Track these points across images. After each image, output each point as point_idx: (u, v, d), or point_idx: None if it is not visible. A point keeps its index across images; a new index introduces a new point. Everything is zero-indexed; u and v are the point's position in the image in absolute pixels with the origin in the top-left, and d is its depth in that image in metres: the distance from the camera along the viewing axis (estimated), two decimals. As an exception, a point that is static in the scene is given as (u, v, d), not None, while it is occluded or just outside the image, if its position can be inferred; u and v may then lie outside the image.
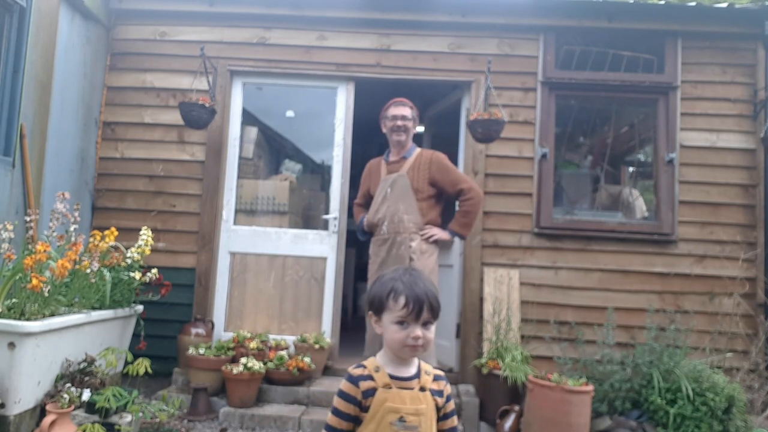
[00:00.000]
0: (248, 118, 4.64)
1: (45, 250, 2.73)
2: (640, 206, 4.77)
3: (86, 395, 2.70)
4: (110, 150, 4.39)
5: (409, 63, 4.35)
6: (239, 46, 4.40)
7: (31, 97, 3.61)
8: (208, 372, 3.63)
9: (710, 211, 4.17)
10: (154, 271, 3.57)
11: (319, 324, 4.26)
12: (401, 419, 1.38)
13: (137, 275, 3.47)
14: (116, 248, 3.49)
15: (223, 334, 4.21)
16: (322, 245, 4.32)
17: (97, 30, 4.32)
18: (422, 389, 1.44)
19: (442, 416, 1.49)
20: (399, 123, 3.41)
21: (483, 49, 4.31)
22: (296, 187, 4.82)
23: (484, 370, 3.61)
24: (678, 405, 3.25)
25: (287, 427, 3.37)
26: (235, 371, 3.46)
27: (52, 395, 2.69)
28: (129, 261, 3.51)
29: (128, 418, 2.73)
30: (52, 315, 2.87)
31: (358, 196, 3.72)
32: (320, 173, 5.36)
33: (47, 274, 2.79)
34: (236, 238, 4.34)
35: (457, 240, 3.97)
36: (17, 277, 2.80)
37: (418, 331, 1.39)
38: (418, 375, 1.46)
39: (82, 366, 2.92)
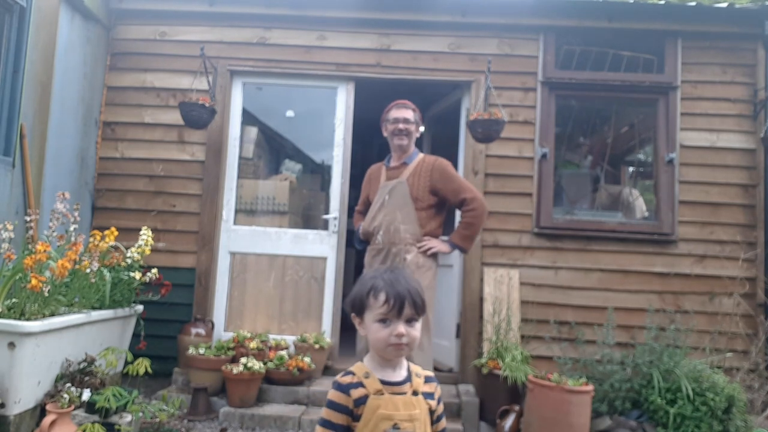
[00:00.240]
0: (248, 118, 4.64)
1: (45, 250, 2.73)
2: (640, 206, 4.77)
3: (86, 395, 2.70)
4: (110, 150, 4.39)
5: (409, 63, 4.35)
6: (239, 46, 4.40)
7: (31, 97, 3.61)
8: (208, 372, 3.63)
9: (710, 211, 4.17)
10: (154, 271, 3.57)
11: (319, 324, 4.26)
12: (395, 426, 1.34)
13: (137, 275, 3.47)
14: (116, 248, 3.49)
15: (223, 334, 4.21)
16: (322, 245, 4.32)
17: (97, 30, 4.32)
18: (415, 393, 1.39)
19: (435, 419, 1.44)
20: (401, 126, 3.21)
21: (483, 49, 4.31)
22: (296, 187, 4.82)
23: (484, 370, 3.60)
24: (678, 405, 3.25)
25: (287, 427, 3.37)
26: (235, 371, 3.46)
27: (52, 395, 2.69)
28: (129, 261, 3.51)
29: (128, 418, 2.73)
30: (52, 315, 2.87)
31: (359, 202, 3.52)
32: (320, 173, 5.36)
33: (47, 274, 2.79)
34: (236, 238, 4.34)
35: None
36: (17, 277, 2.80)
37: (401, 328, 1.34)
38: (409, 378, 1.41)
39: (82, 366, 2.92)
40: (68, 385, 2.74)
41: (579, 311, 4.10)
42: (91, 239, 3.22)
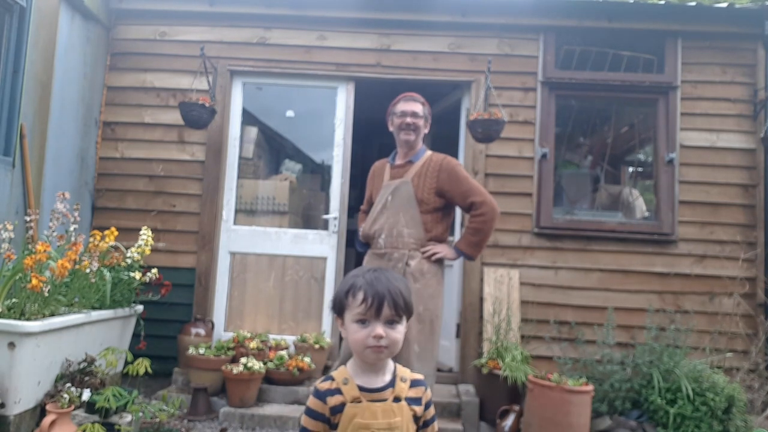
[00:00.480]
0: (248, 118, 4.64)
1: (45, 250, 2.73)
2: (640, 206, 4.77)
3: (86, 395, 2.70)
4: (110, 150, 4.39)
5: (409, 63, 4.35)
6: (239, 46, 4.40)
7: (31, 97, 3.61)
8: (208, 372, 3.63)
9: (710, 211, 4.17)
10: (154, 271, 3.57)
11: (319, 324, 4.26)
12: None
13: (137, 275, 3.47)
14: (116, 248, 3.49)
15: (223, 334, 4.21)
16: (322, 245, 4.32)
17: (97, 30, 4.32)
18: (397, 399, 1.32)
19: (422, 425, 1.37)
20: (408, 120, 2.93)
21: (483, 49, 4.31)
22: (296, 187, 4.82)
23: (484, 370, 3.60)
24: (678, 405, 3.25)
25: (287, 427, 3.37)
26: (235, 371, 3.46)
27: (52, 395, 2.69)
28: (129, 261, 3.51)
29: (128, 418, 2.73)
30: (52, 315, 2.87)
31: (364, 201, 3.28)
32: (320, 173, 5.36)
33: (47, 274, 2.79)
34: (236, 238, 4.34)
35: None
36: (17, 277, 2.80)
37: (380, 329, 1.27)
38: (392, 383, 1.33)
39: (82, 366, 2.92)
40: (68, 385, 2.74)
41: (579, 311, 4.10)
42: (91, 239, 3.22)
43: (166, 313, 4.08)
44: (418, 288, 2.71)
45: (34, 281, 2.63)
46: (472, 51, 4.33)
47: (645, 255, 4.15)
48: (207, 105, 3.95)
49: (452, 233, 4.21)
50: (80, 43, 4.11)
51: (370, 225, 2.95)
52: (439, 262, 2.89)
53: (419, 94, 3.05)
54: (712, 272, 4.11)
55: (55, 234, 2.98)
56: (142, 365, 2.83)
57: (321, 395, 1.31)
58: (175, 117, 4.16)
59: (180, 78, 4.36)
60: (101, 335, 3.25)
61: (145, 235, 3.61)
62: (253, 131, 4.66)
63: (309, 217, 4.88)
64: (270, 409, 3.49)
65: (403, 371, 1.37)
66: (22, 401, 2.60)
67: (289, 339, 4.08)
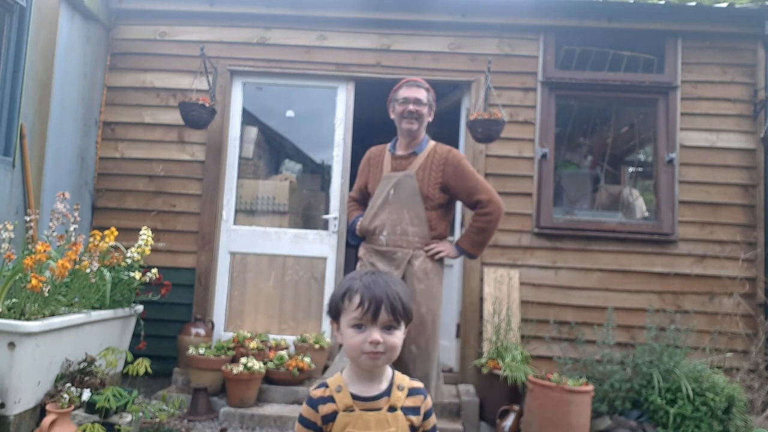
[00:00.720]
0: (248, 118, 4.64)
1: (45, 250, 2.73)
2: (640, 206, 4.77)
3: (86, 395, 2.70)
4: (110, 150, 4.39)
5: (409, 63, 4.34)
6: (239, 46, 4.40)
7: (31, 97, 3.61)
8: (208, 372, 3.63)
9: (710, 211, 4.17)
10: (154, 271, 3.57)
11: (319, 324, 4.26)
12: None
13: (137, 275, 3.47)
14: (116, 248, 3.49)
15: (223, 334, 4.21)
16: (322, 245, 4.32)
17: (97, 30, 4.32)
18: (392, 409, 1.26)
19: None
20: (411, 108, 2.74)
21: (483, 49, 4.31)
22: (296, 187, 4.82)
23: (484, 370, 3.60)
24: (678, 405, 3.25)
25: (287, 427, 3.37)
26: (235, 371, 3.46)
27: (52, 395, 2.69)
28: (129, 261, 3.51)
29: (128, 418, 2.73)
30: (52, 315, 2.87)
31: (354, 188, 3.08)
32: (320, 173, 5.36)
33: (47, 274, 2.79)
34: (236, 238, 4.34)
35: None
36: (17, 277, 2.80)
37: (376, 335, 1.21)
38: (388, 392, 1.27)
39: (82, 366, 2.92)
40: (68, 385, 2.74)
41: (579, 311, 4.10)
42: (91, 239, 3.22)
43: (166, 313, 4.08)
44: (422, 289, 2.62)
45: (34, 281, 2.63)
46: (472, 51, 4.33)
47: (645, 255, 4.15)
48: (207, 105, 3.95)
49: (452, 232, 4.21)
50: (80, 43, 4.11)
51: (370, 220, 2.77)
52: (441, 261, 2.77)
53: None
54: (712, 272, 4.11)
55: (55, 234, 2.98)
56: (142, 365, 2.83)
57: (313, 403, 1.27)
58: (175, 117, 4.16)
59: (180, 78, 4.36)
60: (101, 335, 3.25)
61: (145, 235, 3.61)
62: (253, 131, 4.66)
63: (309, 217, 4.89)
64: (270, 409, 3.49)
65: (401, 379, 1.31)
66: (22, 401, 2.60)
67: (289, 339, 4.08)
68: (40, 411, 2.71)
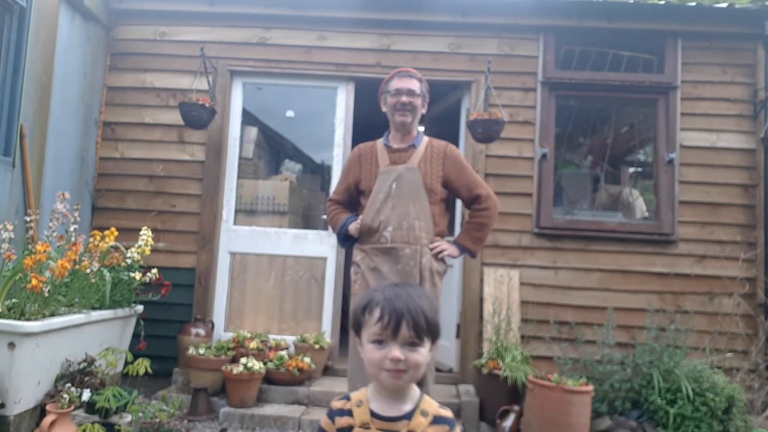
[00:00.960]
0: (248, 118, 4.64)
1: (45, 251, 2.73)
2: (640, 206, 4.78)
3: (86, 395, 2.70)
4: (110, 150, 4.39)
5: (409, 63, 4.32)
6: (239, 46, 4.40)
7: (31, 97, 3.61)
8: (208, 372, 3.63)
9: (710, 211, 4.17)
10: (154, 271, 3.57)
11: (319, 324, 4.26)
12: None
13: (137, 275, 3.47)
14: (116, 248, 3.49)
15: (223, 334, 4.21)
16: (322, 245, 4.32)
17: (97, 30, 4.32)
18: None
19: None
20: (404, 99, 2.62)
21: (483, 49, 4.31)
22: (296, 187, 4.82)
23: (484, 370, 3.60)
24: (678, 405, 3.25)
25: (287, 427, 3.37)
26: (235, 371, 3.46)
27: (52, 395, 2.69)
28: (129, 261, 3.51)
29: (128, 418, 2.73)
30: (52, 315, 2.87)
31: (336, 190, 2.87)
32: (320, 173, 5.37)
33: (47, 274, 2.79)
34: (236, 238, 4.34)
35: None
36: (17, 277, 2.80)
37: (397, 352, 1.14)
38: (410, 415, 1.18)
39: (82, 366, 2.92)
40: (68, 385, 2.74)
41: (579, 311, 4.10)
42: (91, 239, 3.22)
43: (166, 313, 4.08)
44: (428, 288, 2.53)
45: (34, 281, 2.63)
46: (472, 51, 4.33)
47: (645, 255, 4.15)
48: (207, 105, 3.95)
49: (451, 232, 4.21)
50: (80, 43, 4.11)
51: (372, 216, 2.61)
52: (443, 260, 2.70)
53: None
54: (712, 272, 4.11)
55: (55, 234, 2.98)
56: (142, 365, 2.83)
57: (331, 414, 1.24)
58: (175, 117, 4.16)
59: (180, 78, 4.36)
60: (101, 335, 3.25)
61: (145, 235, 3.61)
62: (253, 131, 4.66)
63: (309, 217, 4.89)
64: (270, 409, 3.49)
65: (429, 404, 1.21)
66: (22, 401, 2.60)
67: (289, 339, 4.08)
68: (40, 411, 2.71)
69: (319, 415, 3.39)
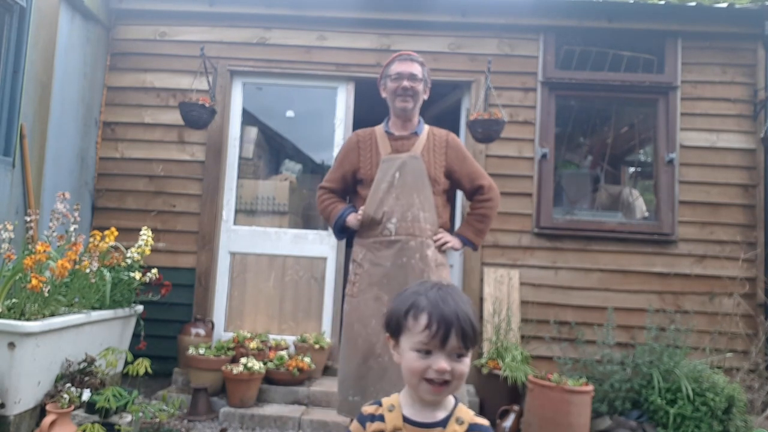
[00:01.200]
0: (248, 118, 4.64)
1: (45, 251, 2.73)
2: (640, 206, 4.78)
3: (86, 395, 2.70)
4: (110, 150, 4.39)
5: (409, 63, 4.33)
6: (239, 46, 4.40)
7: (31, 97, 3.61)
8: (208, 372, 3.63)
9: (710, 211, 4.17)
10: (154, 271, 3.57)
11: (319, 324, 4.26)
12: None
13: (137, 275, 3.47)
14: (116, 248, 3.49)
15: (223, 334, 4.21)
16: (322, 245, 4.32)
17: (97, 30, 4.32)
18: None
19: None
20: (406, 84, 2.51)
21: (483, 49, 4.31)
22: (296, 187, 4.82)
23: (484, 370, 3.61)
24: (678, 405, 3.25)
25: (287, 427, 3.37)
26: (235, 371, 3.46)
27: (52, 395, 2.69)
28: (129, 261, 3.51)
29: (128, 418, 2.73)
30: (52, 315, 2.87)
31: (330, 178, 2.68)
32: (320, 173, 5.36)
33: (47, 274, 2.78)
34: (236, 238, 4.34)
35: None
36: (17, 277, 2.80)
37: (443, 362, 1.07)
38: (445, 422, 1.12)
39: (82, 366, 2.92)
40: (68, 385, 2.74)
41: (579, 311, 4.10)
42: (91, 239, 3.22)
43: (166, 313, 4.08)
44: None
45: (34, 281, 2.63)
46: (472, 51, 4.33)
47: (645, 255, 4.15)
48: (207, 105, 3.95)
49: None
50: (80, 43, 4.11)
51: (375, 207, 2.48)
52: (446, 253, 2.61)
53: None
54: (712, 272, 4.11)
55: (55, 234, 2.98)
56: (142, 365, 2.83)
57: (362, 419, 1.18)
58: (175, 117, 4.16)
59: (180, 78, 4.36)
60: (101, 335, 3.25)
61: (145, 235, 3.60)
62: (253, 131, 4.66)
63: (309, 217, 4.89)
64: (270, 409, 3.49)
65: (464, 412, 1.15)
66: (22, 401, 2.60)
67: (289, 339, 4.09)
68: (40, 411, 2.71)
69: (320, 415, 3.41)
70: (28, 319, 2.66)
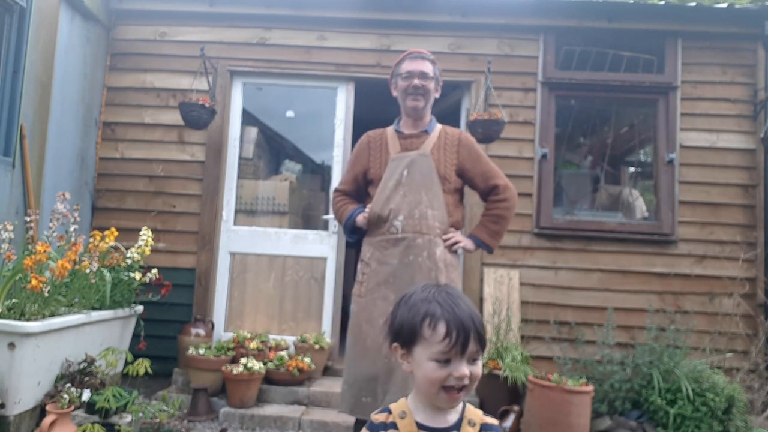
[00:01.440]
0: (248, 119, 4.64)
1: (45, 251, 2.73)
2: (640, 206, 4.78)
3: (86, 395, 2.70)
4: (110, 150, 4.39)
5: (409, 63, 4.33)
6: (239, 47, 4.40)
7: (31, 97, 3.61)
8: (208, 372, 3.63)
9: (710, 211, 4.17)
10: (154, 271, 3.56)
11: (319, 324, 4.26)
12: None
13: (137, 275, 3.47)
14: (116, 248, 3.49)
15: (223, 334, 4.21)
16: (322, 245, 4.32)
17: (97, 30, 4.32)
18: None
19: None
20: (417, 82, 2.48)
21: (483, 49, 4.32)
22: (296, 188, 4.82)
23: (484, 370, 3.60)
24: (678, 405, 3.25)
25: (287, 428, 3.37)
26: (235, 371, 3.46)
27: (52, 395, 2.69)
28: (129, 261, 3.51)
29: (128, 418, 2.73)
30: (52, 315, 2.87)
31: (343, 180, 2.69)
32: (320, 173, 5.37)
33: (47, 274, 2.78)
34: (236, 238, 4.34)
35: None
36: (17, 278, 2.80)
37: (464, 369, 1.06)
38: (458, 426, 1.12)
39: (82, 366, 2.92)
40: (68, 385, 2.74)
41: (579, 311, 4.10)
42: (91, 239, 3.22)
43: (166, 314, 4.08)
44: (445, 283, 2.29)
45: (34, 281, 2.63)
46: (472, 51, 4.33)
47: (645, 255, 4.15)
48: (207, 105, 3.95)
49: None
50: (80, 43, 4.11)
51: (382, 204, 2.45)
52: (456, 253, 2.54)
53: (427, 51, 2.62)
54: (712, 272, 4.11)
55: (55, 234, 2.98)
56: (142, 365, 2.83)
57: (374, 428, 1.15)
58: (175, 117, 4.16)
59: (180, 78, 4.36)
60: (101, 335, 3.25)
61: (145, 235, 3.60)
62: (253, 131, 4.66)
63: (309, 218, 4.89)
64: (270, 410, 3.49)
65: (473, 413, 1.15)
66: (22, 401, 2.60)
67: (289, 339, 4.09)
68: (40, 411, 2.71)
69: (320, 416, 3.41)
70: (28, 320, 2.66)
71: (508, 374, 3.42)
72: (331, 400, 3.61)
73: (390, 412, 1.15)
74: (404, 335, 1.12)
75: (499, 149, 4.19)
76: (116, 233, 3.39)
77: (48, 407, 2.54)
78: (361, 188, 2.63)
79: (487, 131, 3.76)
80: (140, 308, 3.71)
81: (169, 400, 3.25)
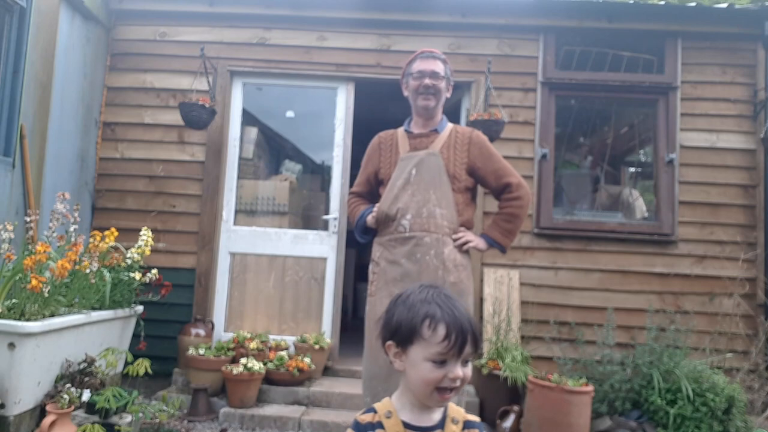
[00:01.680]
0: (248, 119, 4.64)
1: (45, 251, 2.73)
2: (640, 206, 4.77)
3: (86, 396, 2.70)
4: (110, 150, 4.39)
5: (409, 63, 4.34)
6: (239, 47, 4.40)
7: (31, 97, 3.61)
8: (208, 372, 3.63)
9: (710, 211, 4.18)
10: (154, 271, 3.56)
11: (319, 324, 4.26)
12: None
13: (137, 275, 3.47)
14: (116, 248, 3.49)
15: (223, 334, 4.21)
16: (322, 246, 4.32)
17: (97, 30, 4.32)
18: None
19: None
20: (428, 82, 2.47)
21: (483, 49, 4.32)
22: (296, 188, 4.82)
23: (484, 371, 3.60)
24: (678, 405, 3.25)
25: (287, 428, 3.37)
26: (235, 371, 3.46)
27: (52, 395, 2.69)
28: (129, 261, 3.51)
29: (128, 418, 2.73)
30: (52, 315, 2.87)
31: (357, 182, 2.72)
32: (320, 173, 5.37)
33: (47, 274, 2.78)
34: (236, 238, 4.34)
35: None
36: (17, 278, 2.80)
37: (459, 370, 1.09)
38: (442, 424, 1.15)
39: (82, 366, 2.92)
40: (68, 385, 2.73)
41: (579, 312, 4.10)
42: (91, 240, 3.22)
43: (166, 314, 4.08)
44: (453, 282, 2.34)
45: (34, 282, 2.63)
46: (472, 51, 4.33)
47: (645, 255, 4.15)
48: (207, 105, 3.95)
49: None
50: (80, 43, 4.11)
51: (389, 203, 2.44)
52: (468, 253, 2.51)
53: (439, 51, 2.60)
54: (712, 273, 4.11)
55: (55, 234, 2.98)
56: (142, 366, 2.83)
57: (360, 429, 1.17)
58: (175, 117, 4.16)
59: (180, 78, 4.36)
60: (101, 336, 3.25)
61: (145, 235, 3.60)
62: (253, 131, 4.66)
63: (309, 218, 4.89)
64: (270, 410, 3.49)
65: (456, 411, 1.18)
66: (22, 402, 2.60)
67: (289, 339, 4.09)
68: (40, 411, 2.70)
69: (320, 416, 3.41)
70: (28, 320, 2.66)
71: (508, 374, 3.42)
72: (331, 401, 3.62)
73: (376, 412, 1.17)
74: (402, 334, 1.13)
75: (499, 149, 4.05)
76: (116, 233, 3.39)
77: (48, 407, 2.54)
78: (374, 189, 2.63)
79: (487, 131, 3.74)
80: (140, 308, 3.71)
81: (169, 401, 3.25)
